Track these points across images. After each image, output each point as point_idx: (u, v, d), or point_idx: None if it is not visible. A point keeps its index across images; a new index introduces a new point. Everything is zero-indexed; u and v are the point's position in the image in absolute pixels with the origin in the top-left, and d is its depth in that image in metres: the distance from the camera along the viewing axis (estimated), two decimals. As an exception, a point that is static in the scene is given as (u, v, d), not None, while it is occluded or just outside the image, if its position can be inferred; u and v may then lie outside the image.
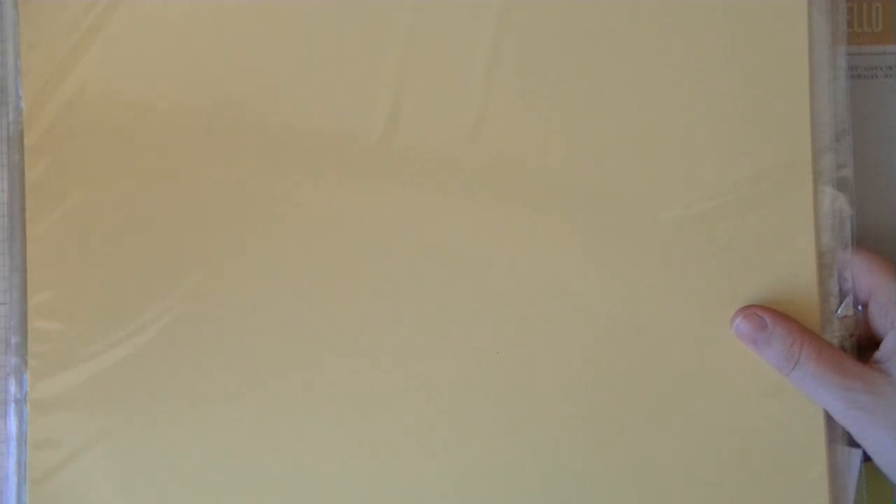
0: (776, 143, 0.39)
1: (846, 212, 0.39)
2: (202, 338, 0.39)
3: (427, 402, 0.39)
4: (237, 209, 0.40)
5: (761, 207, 0.39)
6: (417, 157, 0.39)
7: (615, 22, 0.39)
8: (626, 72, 0.39)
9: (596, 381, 0.39)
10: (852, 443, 0.38)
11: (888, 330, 0.37)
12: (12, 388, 0.40)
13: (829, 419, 0.38)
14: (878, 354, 0.37)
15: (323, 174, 0.40)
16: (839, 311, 0.38)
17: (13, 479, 0.39)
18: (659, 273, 0.39)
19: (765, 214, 0.39)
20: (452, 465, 0.39)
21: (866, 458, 0.38)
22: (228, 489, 0.39)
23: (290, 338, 0.39)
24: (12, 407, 0.40)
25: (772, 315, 0.38)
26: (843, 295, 0.39)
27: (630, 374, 0.39)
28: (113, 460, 0.39)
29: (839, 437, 0.38)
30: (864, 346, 0.38)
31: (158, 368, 0.39)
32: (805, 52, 0.39)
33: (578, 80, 0.39)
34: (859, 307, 0.38)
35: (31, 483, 0.39)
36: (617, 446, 0.39)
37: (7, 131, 0.41)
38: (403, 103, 0.39)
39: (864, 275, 0.38)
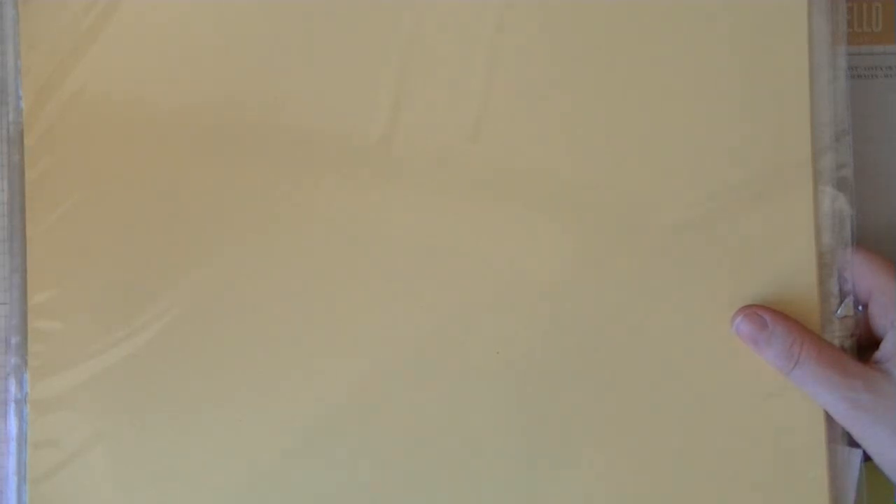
0: (776, 144, 0.39)
1: (846, 212, 0.39)
2: (202, 338, 0.39)
3: (427, 403, 0.39)
4: (237, 209, 0.40)
5: (762, 208, 0.38)
6: (418, 157, 0.39)
7: (615, 23, 0.39)
8: (626, 73, 0.39)
9: (596, 382, 0.39)
10: (852, 443, 0.38)
11: (888, 330, 0.37)
12: (12, 388, 0.40)
13: (829, 419, 0.38)
14: (879, 355, 0.37)
15: (323, 174, 0.39)
16: (839, 312, 0.38)
17: (13, 479, 0.39)
18: (659, 274, 0.39)
19: (765, 215, 0.38)
20: (452, 464, 0.39)
21: (866, 458, 0.38)
22: (228, 489, 0.39)
23: (290, 338, 0.39)
24: (12, 407, 0.40)
25: (772, 314, 0.37)
26: (843, 295, 0.38)
27: (630, 375, 0.39)
28: (113, 460, 0.39)
29: (839, 437, 0.38)
30: (865, 346, 0.38)
31: (158, 368, 0.39)
32: (805, 52, 0.39)
33: (579, 80, 0.39)
34: (859, 307, 0.38)
35: (31, 483, 0.39)
36: (617, 447, 0.39)
37: (7, 131, 0.41)
38: (404, 104, 0.39)
39: (863, 275, 0.38)
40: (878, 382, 0.36)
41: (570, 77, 0.39)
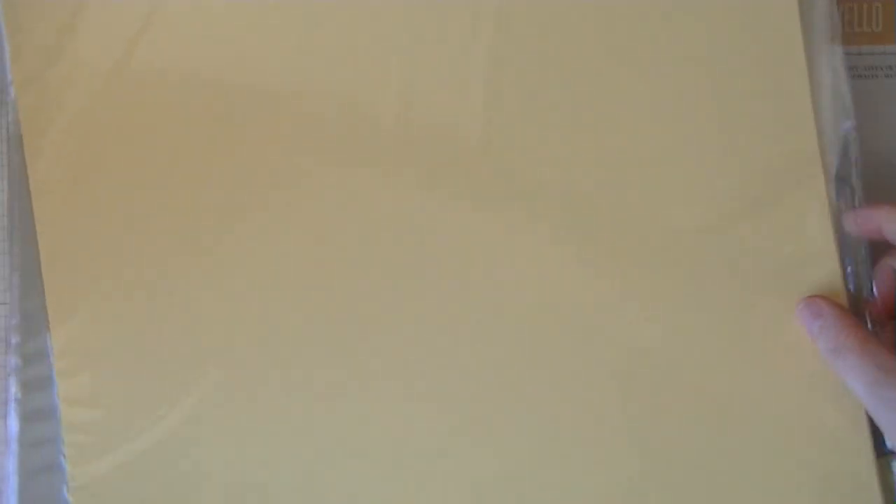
0: (784, 145, 0.38)
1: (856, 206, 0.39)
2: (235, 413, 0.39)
3: (429, 404, 0.39)
4: (242, 210, 0.40)
5: (776, 207, 0.38)
6: (423, 158, 0.39)
7: (616, 27, 0.39)
8: (628, 77, 0.39)
9: (621, 387, 0.38)
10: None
11: None
12: (13, 389, 0.39)
13: None
14: None
15: (324, 175, 0.39)
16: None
17: (14, 479, 0.39)
18: (682, 277, 0.38)
19: (781, 214, 0.38)
20: (466, 470, 0.39)
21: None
22: None
23: (290, 341, 0.39)
24: (13, 407, 0.39)
25: (828, 304, 0.37)
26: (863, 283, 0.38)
27: (655, 379, 0.38)
28: None
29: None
30: None
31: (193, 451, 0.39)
32: (801, 52, 0.38)
33: (583, 87, 0.39)
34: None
35: None
36: (654, 450, 0.38)
37: (7, 131, 0.40)
38: (409, 108, 0.39)
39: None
40: None
41: (574, 83, 0.39)
